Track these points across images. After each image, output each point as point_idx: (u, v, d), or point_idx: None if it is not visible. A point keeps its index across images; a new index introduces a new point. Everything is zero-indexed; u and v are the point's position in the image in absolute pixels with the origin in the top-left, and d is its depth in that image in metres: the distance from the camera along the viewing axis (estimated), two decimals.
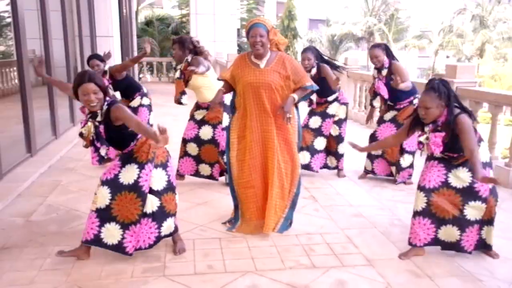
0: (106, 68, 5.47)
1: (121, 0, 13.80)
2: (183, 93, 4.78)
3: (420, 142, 3.32)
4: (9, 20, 5.67)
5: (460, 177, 3.29)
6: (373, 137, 5.17)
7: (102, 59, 5.55)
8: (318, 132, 5.29)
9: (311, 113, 5.33)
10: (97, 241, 3.21)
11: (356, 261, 3.35)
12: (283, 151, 3.73)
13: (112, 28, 10.97)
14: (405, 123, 3.52)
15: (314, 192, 4.85)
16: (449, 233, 3.36)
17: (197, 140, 4.83)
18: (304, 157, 5.23)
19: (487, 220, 3.38)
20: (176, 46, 4.75)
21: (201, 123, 4.84)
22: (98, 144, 3.13)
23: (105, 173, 3.21)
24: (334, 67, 5.25)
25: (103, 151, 3.16)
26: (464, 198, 3.29)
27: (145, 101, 5.75)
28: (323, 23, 40.56)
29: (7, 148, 5.15)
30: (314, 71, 5.06)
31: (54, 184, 5.01)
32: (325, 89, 5.03)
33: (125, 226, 3.20)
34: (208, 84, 4.75)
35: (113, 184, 3.17)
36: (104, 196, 3.16)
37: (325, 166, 5.49)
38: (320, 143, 5.32)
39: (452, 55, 37.80)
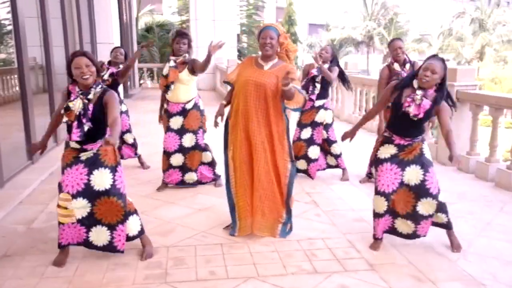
0: (121, 66, 5.60)
1: (121, 6, 13.86)
2: (173, 82, 4.77)
3: (412, 99, 3.36)
4: (10, 27, 5.68)
5: (413, 174, 3.44)
6: None
7: (126, 56, 5.73)
8: (310, 141, 5.36)
9: (301, 125, 5.39)
10: (86, 243, 3.28)
11: (359, 266, 3.34)
12: (273, 153, 3.70)
13: (112, 35, 11.00)
14: (387, 88, 3.59)
15: (316, 197, 4.85)
16: (404, 225, 3.55)
17: (181, 150, 4.86)
18: (301, 164, 5.39)
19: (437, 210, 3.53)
20: (187, 41, 4.77)
21: (181, 132, 4.84)
22: (84, 120, 3.09)
23: (70, 186, 3.12)
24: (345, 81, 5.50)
25: (86, 127, 3.10)
26: (416, 195, 3.45)
27: (123, 107, 5.77)
28: (323, 28, 40.67)
29: (8, 155, 5.15)
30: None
31: (55, 191, 4.92)
32: (321, 92, 5.28)
33: (112, 227, 3.25)
34: (191, 83, 4.81)
35: (87, 193, 3.15)
36: (83, 207, 3.15)
37: (328, 166, 5.56)
38: (314, 151, 5.37)
39: (452, 58, 37.80)
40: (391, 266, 3.33)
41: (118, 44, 11.51)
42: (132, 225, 3.37)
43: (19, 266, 3.29)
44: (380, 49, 38.27)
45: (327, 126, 5.40)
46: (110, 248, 3.30)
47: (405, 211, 3.49)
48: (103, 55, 10.38)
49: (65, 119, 3.11)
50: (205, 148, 5.02)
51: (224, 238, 3.79)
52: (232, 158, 3.79)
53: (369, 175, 5.36)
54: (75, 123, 3.09)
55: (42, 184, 5.28)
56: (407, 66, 5.04)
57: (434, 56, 3.44)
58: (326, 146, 5.45)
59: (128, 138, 5.80)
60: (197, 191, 4.98)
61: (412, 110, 3.35)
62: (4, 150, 4.98)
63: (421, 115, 3.34)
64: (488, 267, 3.32)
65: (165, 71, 4.79)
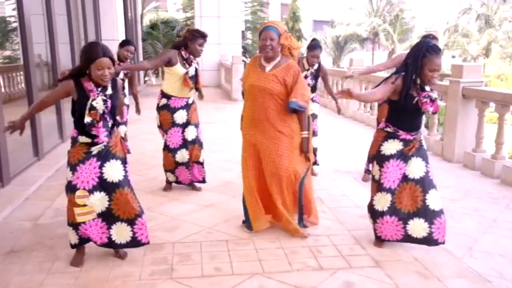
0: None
1: (126, 3, 13.87)
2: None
3: (430, 98, 3.30)
4: (16, 24, 5.71)
5: (417, 167, 3.40)
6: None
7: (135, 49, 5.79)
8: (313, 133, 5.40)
9: None
10: (111, 243, 3.25)
11: (364, 262, 3.34)
12: (282, 158, 3.61)
13: (117, 32, 11.02)
14: (396, 83, 3.34)
15: (320, 193, 4.84)
16: (418, 226, 3.39)
17: (185, 144, 4.68)
18: None
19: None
20: (204, 42, 4.63)
21: (185, 125, 4.69)
22: (108, 117, 3.04)
23: (86, 182, 3.07)
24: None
25: (109, 124, 3.06)
26: (423, 188, 3.38)
27: (125, 102, 5.78)
28: (328, 24, 40.47)
29: (14, 152, 5.17)
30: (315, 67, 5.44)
31: (61, 187, 4.97)
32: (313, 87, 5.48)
33: (131, 222, 3.22)
34: None
35: (102, 186, 3.12)
36: (101, 199, 3.13)
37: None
38: (314, 142, 5.38)
39: (457, 55, 37.59)
40: (396, 263, 3.33)
41: None
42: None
43: (26, 262, 3.32)
44: (385, 46, 38.11)
45: (314, 117, 5.42)
46: (135, 243, 3.26)
47: (415, 207, 3.38)
48: None
49: (88, 119, 2.98)
50: (202, 145, 4.84)
51: (230, 235, 3.80)
52: (244, 160, 3.77)
53: (368, 171, 5.35)
54: (100, 123, 3.01)
55: (49, 181, 5.31)
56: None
57: (435, 48, 3.26)
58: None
59: (121, 131, 5.64)
60: (202, 188, 4.97)
61: (431, 109, 3.32)
62: (11, 146, 5.01)
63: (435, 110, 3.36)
64: (494, 264, 3.31)
65: (192, 72, 4.58)
